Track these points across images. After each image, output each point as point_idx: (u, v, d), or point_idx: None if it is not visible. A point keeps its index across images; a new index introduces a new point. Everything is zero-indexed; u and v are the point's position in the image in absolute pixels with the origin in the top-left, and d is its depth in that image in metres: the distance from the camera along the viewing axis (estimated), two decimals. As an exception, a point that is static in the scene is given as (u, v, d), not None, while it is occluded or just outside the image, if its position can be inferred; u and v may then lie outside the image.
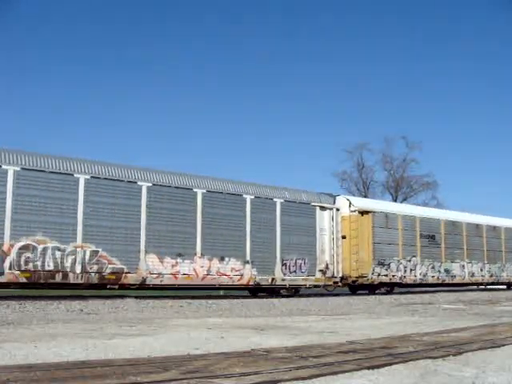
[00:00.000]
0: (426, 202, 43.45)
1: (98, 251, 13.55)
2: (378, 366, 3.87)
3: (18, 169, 12.69)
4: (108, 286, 14.13)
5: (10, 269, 12.31)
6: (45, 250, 12.79)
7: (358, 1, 66.81)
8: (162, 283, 14.62)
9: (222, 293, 19.01)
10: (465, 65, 66.63)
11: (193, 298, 14.66)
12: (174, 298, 14.47)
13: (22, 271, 12.50)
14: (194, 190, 15.23)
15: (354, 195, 42.80)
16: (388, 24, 66.86)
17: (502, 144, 66.92)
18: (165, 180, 14.90)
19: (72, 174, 13.36)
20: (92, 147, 59.08)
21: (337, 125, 66.84)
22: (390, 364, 3.98)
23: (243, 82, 69.22)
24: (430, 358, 4.29)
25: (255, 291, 17.47)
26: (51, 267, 12.85)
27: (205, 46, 67.33)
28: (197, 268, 15.08)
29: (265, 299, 15.13)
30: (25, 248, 12.56)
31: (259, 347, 4.83)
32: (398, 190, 45.82)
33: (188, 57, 67.64)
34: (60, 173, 13.22)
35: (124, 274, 13.90)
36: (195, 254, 15.07)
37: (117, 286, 14.11)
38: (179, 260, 14.80)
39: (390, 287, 20.45)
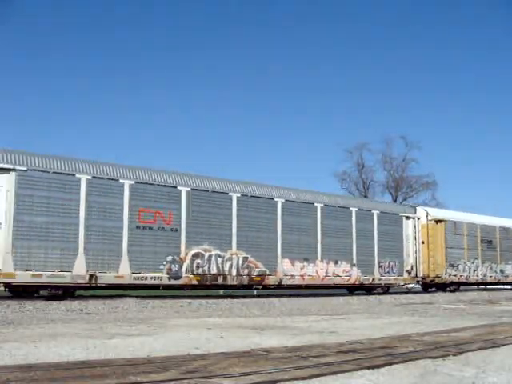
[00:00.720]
0: (425, 201, 43.49)
1: (247, 257, 16.50)
2: (378, 366, 3.87)
3: (188, 189, 15.75)
4: (254, 287, 17.30)
5: (185, 273, 15.20)
6: (210, 257, 15.71)
7: None
8: (294, 283, 17.65)
9: (222, 293, 19.06)
10: (465, 65, 66.68)
11: (193, 297, 14.68)
12: (173, 297, 14.48)
13: (194, 275, 15.39)
14: (315, 204, 18.52)
15: (353, 195, 42.90)
16: (388, 24, 66.88)
17: (502, 144, 67.00)
18: (293, 196, 18.20)
19: (227, 193, 16.46)
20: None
21: (337, 125, 66.89)
22: (390, 364, 3.98)
23: (242, 82, 69.26)
24: (429, 357, 4.29)
25: (355, 289, 20.36)
26: (214, 271, 15.77)
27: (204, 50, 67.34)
28: (318, 270, 18.19)
29: (264, 299, 15.14)
30: (195, 255, 15.43)
31: (259, 347, 4.83)
32: (398, 190, 45.86)
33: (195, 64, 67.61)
34: (221, 192, 16.39)
35: (266, 276, 16.88)
36: (317, 259, 18.20)
37: (261, 287, 17.28)
38: (305, 263, 17.90)
39: (457, 286, 23.61)
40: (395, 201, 43.49)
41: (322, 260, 18.22)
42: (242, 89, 70.27)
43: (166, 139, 68.86)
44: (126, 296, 13.97)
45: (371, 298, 16.58)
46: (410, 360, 4.16)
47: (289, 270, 17.34)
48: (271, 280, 16.90)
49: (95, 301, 12.27)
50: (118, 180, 14.35)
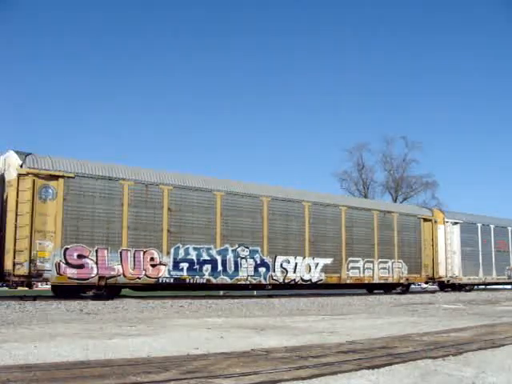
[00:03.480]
0: (425, 202, 43.48)
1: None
2: (378, 366, 3.87)
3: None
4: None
5: None
6: None
7: None
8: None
9: (221, 293, 19.01)
10: (465, 65, 66.67)
11: (193, 297, 14.67)
12: (173, 297, 14.47)
13: None
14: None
15: (354, 195, 42.90)
16: (388, 25, 66.85)
17: (503, 144, 66.97)
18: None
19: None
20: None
21: (337, 125, 66.85)
22: (390, 364, 3.98)
23: (242, 82, 69.21)
24: (429, 357, 4.29)
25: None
26: None
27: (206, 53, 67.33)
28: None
29: (264, 299, 15.11)
30: None
31: (259, 347, 4.83)
32: (398, 190, 45.83)
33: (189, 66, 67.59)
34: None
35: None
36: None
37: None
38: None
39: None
40: (395, 201, 43.47)
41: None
42: (242, 89, 70.27)
43: (165, 139, 68.85)
44: (126, 296, 13.96)
45: (371, 297, 16.56)
46: (410, 360, 4.16)
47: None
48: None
49: (95, 301, 12.27)
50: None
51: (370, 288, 20.91)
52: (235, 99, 68.81)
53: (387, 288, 20.73)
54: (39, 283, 16.34)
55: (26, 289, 14.71)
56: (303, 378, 3.41)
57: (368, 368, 3.80)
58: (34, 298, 12.78)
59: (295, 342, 5.27)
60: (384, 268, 19.89)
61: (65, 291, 13.54)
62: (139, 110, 67.36)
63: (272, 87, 69.18)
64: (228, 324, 7.49)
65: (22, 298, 12.98)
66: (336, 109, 66.57)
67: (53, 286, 14.07)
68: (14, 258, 12.36)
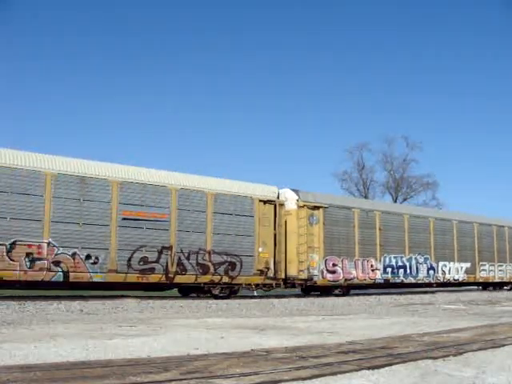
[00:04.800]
0: (426, 202, 43.50)
1: None
2: (378, 367, 3.87)
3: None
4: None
5: None
6: None
7: None
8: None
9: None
10: (465, 64, 66.71)
11: (193, 298, 14.68)
12: (173, 298, 14.47)
13: None
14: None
15: (354, 195, 42.90)
16: (389, 25, 66.91)
17: (503, 144, 67.00)
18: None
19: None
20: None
21: (337, 125, 66.88)
22: (390, 364, 3.98)
23: (242, 82, 69.31)
24: (430, 358, 4.29)
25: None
26: None
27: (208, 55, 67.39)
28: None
29: (264, 300, 15.13)
30: None
31: (259, 347, 4.83)
32: (398, 191, 45.80)
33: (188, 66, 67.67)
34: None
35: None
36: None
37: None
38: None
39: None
40: (395, 201, 43.48)
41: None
42: (242, 89, 70.31)
43: (164, 139, 68.92)
44: (126, 296, 13.96)
45: (371, 298, 16.58)
46: (411, 360, 4.16)
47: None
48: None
49: (95, 301, 12.27)
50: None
51: (486, 285, 25.20)
52: (235, 99, 68.84)
53: (497, 286, 25.23)
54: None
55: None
56: (303, 379, 3.41)
57: (368, 368, 3.81)
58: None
59: (295, 343, 5.27)
60: (501, 270, 25.20)
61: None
62: (139, 110, 67.38)
63: (272, 87, 69.21)
64: (228, 324, 7.49)
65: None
66: (336, 109, 66.58)
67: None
68: (298, 267, 17.10)
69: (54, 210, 12.91)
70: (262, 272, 16.23)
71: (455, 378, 3.65)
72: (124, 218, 13.85)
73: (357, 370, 3.73)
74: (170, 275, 14.32)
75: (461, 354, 4.57)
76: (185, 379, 3.29)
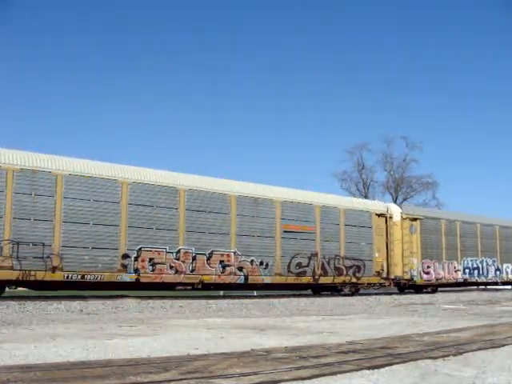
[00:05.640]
0: (426, 202, 43.49)
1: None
2: (378, 367, 3.87)
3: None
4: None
5: None
6: None
7: None
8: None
9: (221, 293, 19.07)
10: (465, 64, 66.69)
11: (193, 298, 14.69)
12: (173, 298, 14.48)
13: None
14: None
15: (353, 195, 42.86)
16: (389, 25, 66.88)
17: (503, 144, 66.99)
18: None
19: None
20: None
21: (337, 125, 66.85)
22: (390, 364, 3.98)
23: (242, 82, 69.26)
24: (430, 358, 4.29)
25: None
26: None
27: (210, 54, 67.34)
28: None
29: (264, 300, 15.13)
30: None
31: (259, 347, 4.83)
32: (398, 191, 45.79)
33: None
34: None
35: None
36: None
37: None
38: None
39: None
40: (395, 201, 43.45)
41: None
42: (242, 89, 70.29)
43: (164, 139, 68.91)
44: (126, 296, 13.97)
45: (371, 298, 16.58)
46: (410, 360, 4.16)
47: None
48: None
49: (95, 301, 12.27)
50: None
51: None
52: (235, 99, 68.83)
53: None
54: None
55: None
56: (303, 379, 3.41)
57: (368, 368, 3.80)
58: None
59: (295, 342, 5.27)
60: None
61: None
62: (139, 110, 67.36)
63: (272, 87, 69.21)
64: (228, 324, 7.49)
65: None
66: (336, 109, 66.56)
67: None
68: (403, 269, 20.53)
69: (237, 225, 16.37)
70: (378, 273, 19.80)
71: (455, 377, 3.65)
72: (285, 231, 17.30)
73: (357, 370, 3.73)
74: (316, 277, 17.88)
75: (461, 353, 4.57)
76: (185, 379, 3.29)
